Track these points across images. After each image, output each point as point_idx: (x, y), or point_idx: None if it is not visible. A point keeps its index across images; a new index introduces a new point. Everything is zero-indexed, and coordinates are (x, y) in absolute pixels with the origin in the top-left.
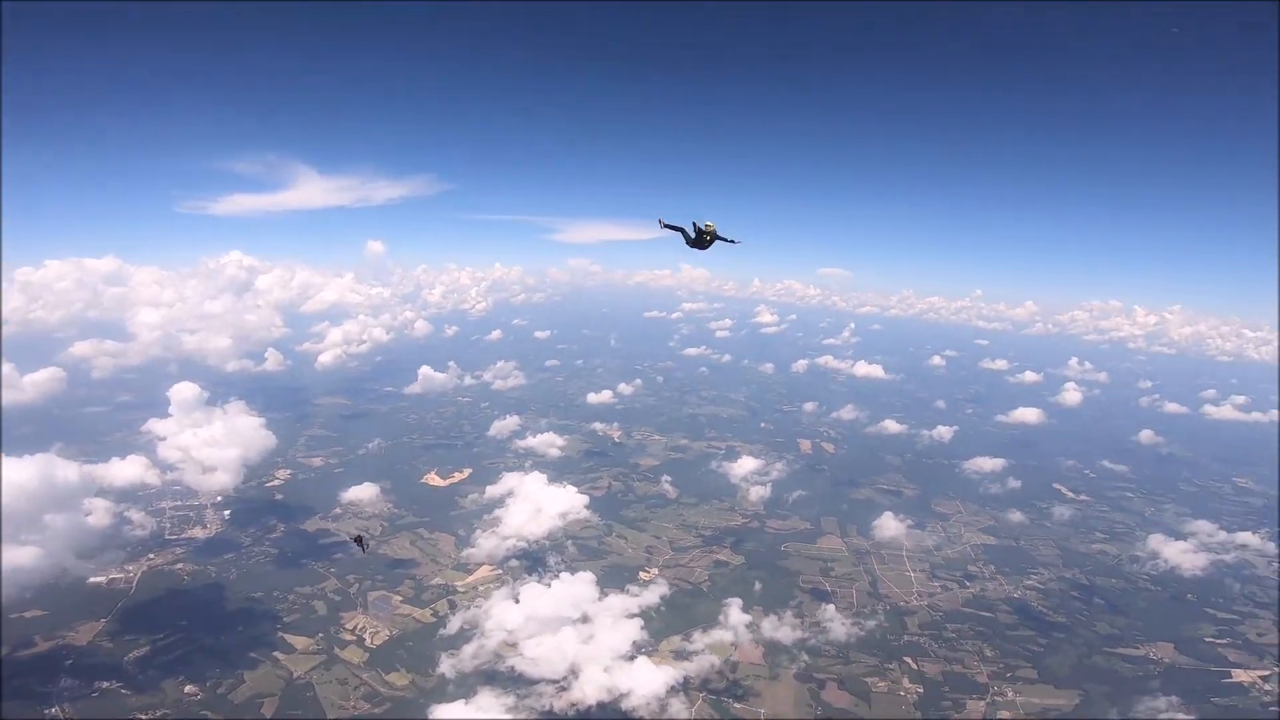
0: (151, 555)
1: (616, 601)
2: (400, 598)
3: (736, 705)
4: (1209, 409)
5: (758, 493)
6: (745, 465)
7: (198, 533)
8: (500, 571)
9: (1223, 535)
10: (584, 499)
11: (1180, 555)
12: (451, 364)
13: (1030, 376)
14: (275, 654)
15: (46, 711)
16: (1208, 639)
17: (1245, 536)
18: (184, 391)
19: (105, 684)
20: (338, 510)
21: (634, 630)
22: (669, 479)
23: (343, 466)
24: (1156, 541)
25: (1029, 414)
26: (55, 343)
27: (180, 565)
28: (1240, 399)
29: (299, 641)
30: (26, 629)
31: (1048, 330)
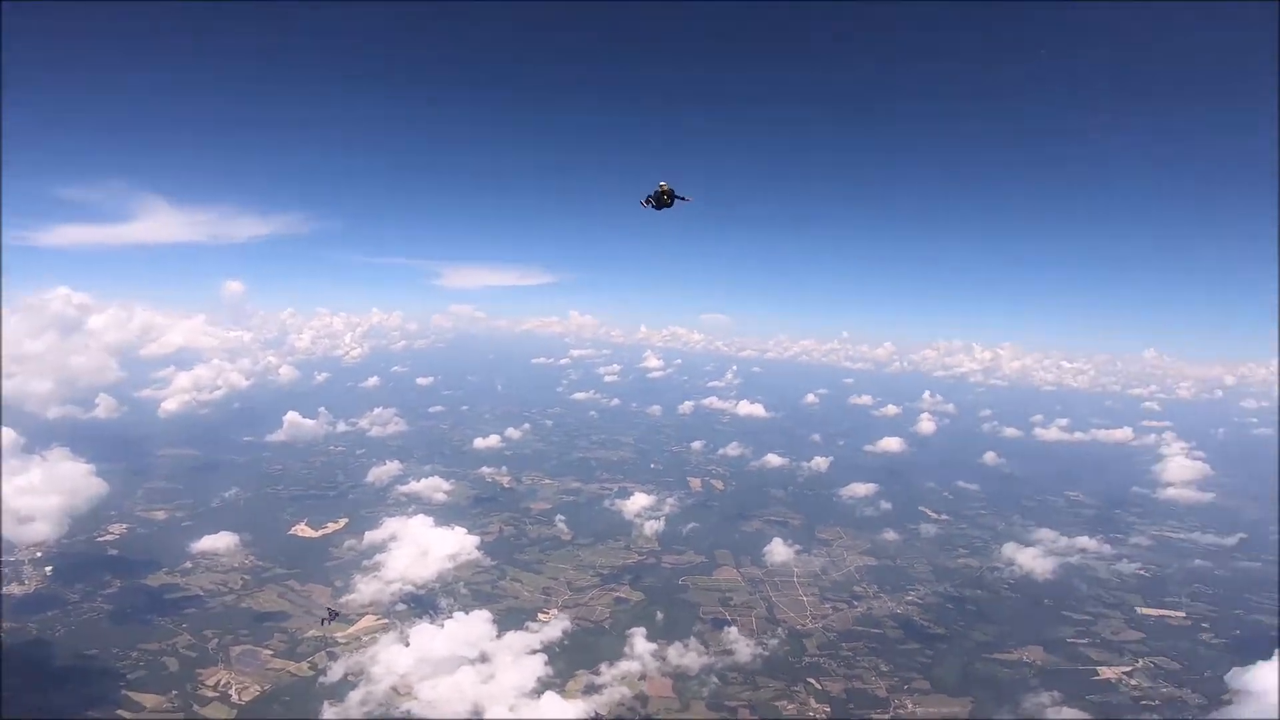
0: None
1: (516, 639)
2: (270, 651)
3: None
4: (1039, 431)
5: (652, 528)
6: (638, 502)
7: (14, 589)
8: (385, 620)
9: (1064, 541)
10: (475, 540)
11: (1031, 560)
12: (322, 410)
13: (891, 409)
14: (120, 712)
15: None
16: (1069, 639)
17: (1083, 540)
18: None
19: None
20: (187, 564)
21: (538, 666)
22: (563, 520)
23: (192, 519)
24: (1010, 549)
25: (893, 443)
26: None
27: None
28: (1063, 422)
29: (147, 699)
30: None
31: (903, 369)
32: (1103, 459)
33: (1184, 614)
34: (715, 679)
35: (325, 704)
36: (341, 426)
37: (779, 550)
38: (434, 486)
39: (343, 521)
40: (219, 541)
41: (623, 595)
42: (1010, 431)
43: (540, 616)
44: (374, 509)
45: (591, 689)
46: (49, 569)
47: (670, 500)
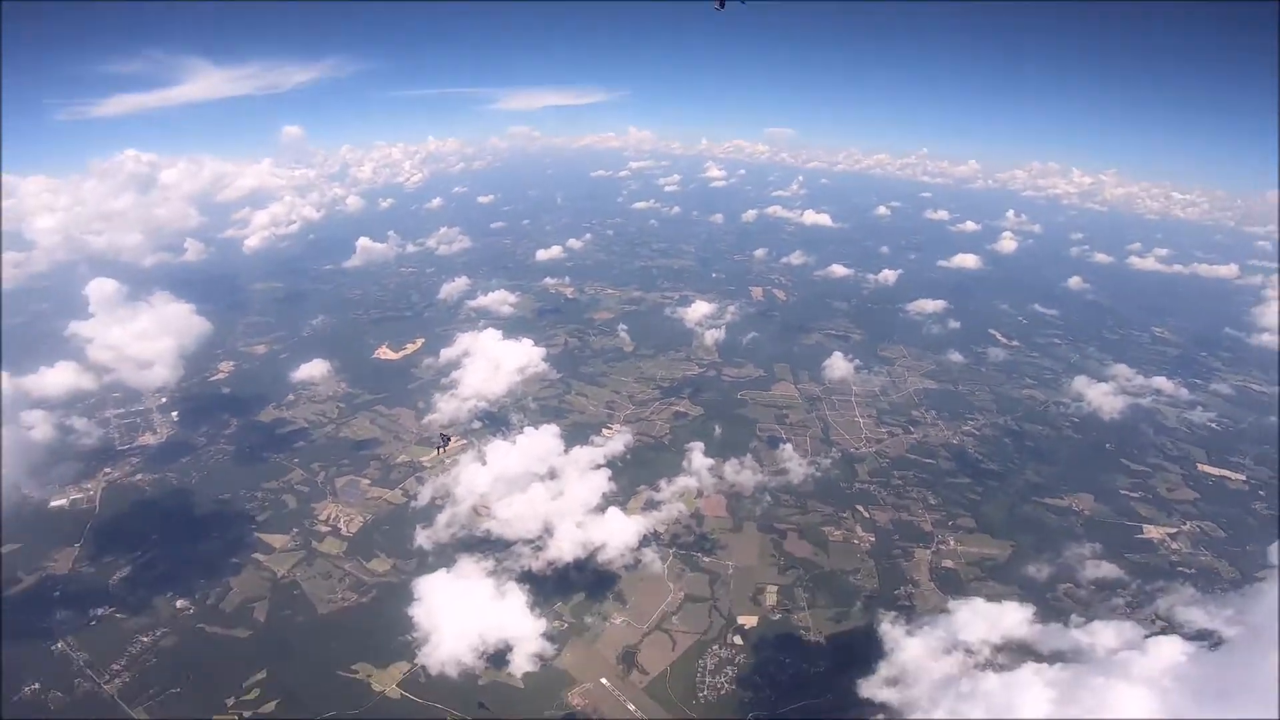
0: (107, 469)
1: (582, 454)
2: (368, 480)
3: (705, 559)
4: (1134, 260)
5: (712, 336)
6: (699, 310)
7: (148, 439)
8: (465, 441)
9: (1140, 380)
10: (541, 351)
11: (1101, 398)
12: (391, 234)
13: (970, 226)
14: (256, 556)
15: (52, 648)
16: (1123, 490)
17: (1160, 381)
18: (102, 288)
19: (99, 610)
20: (290, 396)
21: (602, 482)
22: (625, 330)
23: (288, 351)
24: (1080, 384)
25: (968, 260)
26: None
27: (139, 476)
28: (1163, 252)
29: (276, 540)
30: (7, 566)
31: (988, 186)
32: (1201, 295)
33: (1244, 477)
34: (768, 498)
35: (418, 528)
36: (410, 248)
37: (839, 365)
38: (501, 300)
39: (420, 341)
40: (314, 370)
41: (682, 410)
42: (1101, 257)
43: (605, 432)
44: (447, 326)
45: (651, 505)
46: (175, 414)
47: (731, 308)
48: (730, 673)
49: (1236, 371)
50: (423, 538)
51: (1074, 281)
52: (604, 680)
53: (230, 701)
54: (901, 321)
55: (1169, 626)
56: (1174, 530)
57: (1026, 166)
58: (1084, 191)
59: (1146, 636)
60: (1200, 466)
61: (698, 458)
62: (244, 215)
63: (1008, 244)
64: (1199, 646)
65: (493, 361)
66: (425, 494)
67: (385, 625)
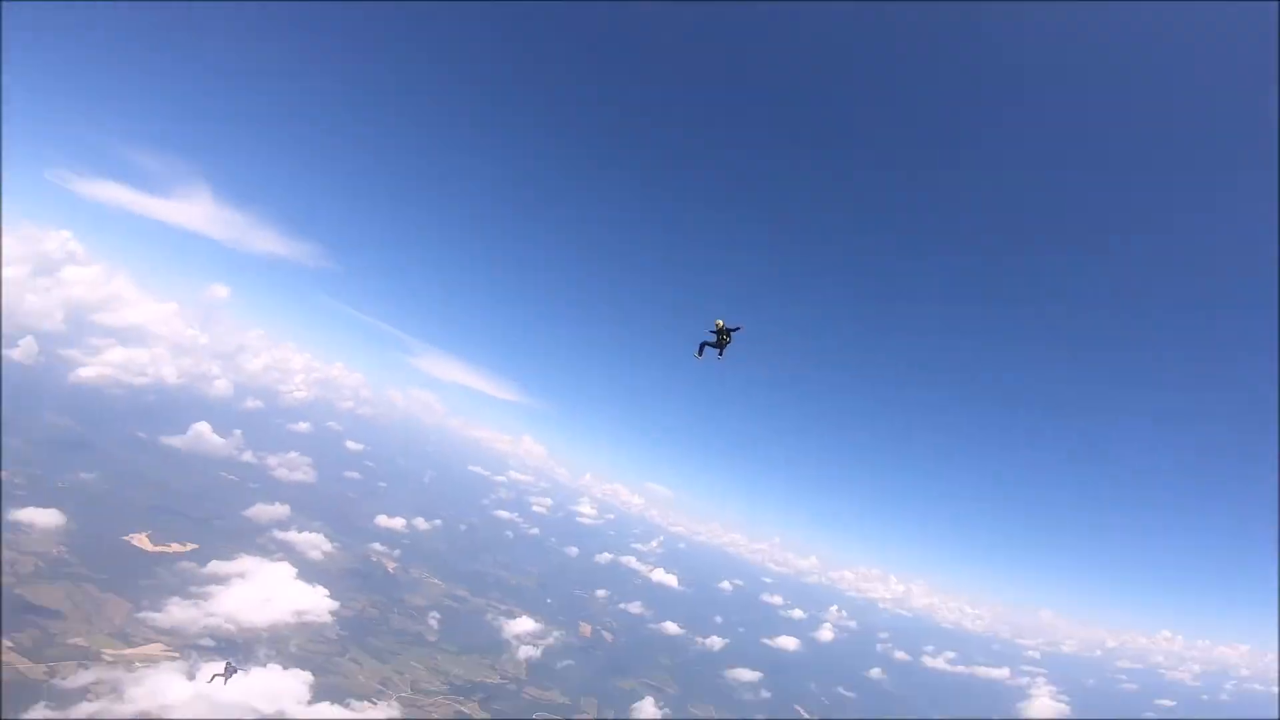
0: None
1: (330, 712)
2: (10, 643)
3: None
4: (926, 659)
5: (526, 653)
6: (522, 625)
7: None
8: (176, 653)
9: None
10: (332, 606)
11: None
12: (237, 433)
13: (798, 613)
14: None
15: None
16: None
17: None
18: None
19: None
20: None
21: None
22: (435, 618)
23: (28, 487)
24: None
25: (789, 642)
26: None
27: None
28: (950, 654)
29: None
30: None
31: (821, 581)
32: (975, 691)
33: None
34: None
35: (41, 704)
36: (249, 456)
37: (648, 711)
38: (314, 543)
39: (190, 546)
40: (42, 517)
41: (467, 711)
42: (900, 655)
43: (369, 701)
44: (238, 543)
45: None
46: None
47: (555, 634)
48: None
49: None
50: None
51: (874, 672)
52: None
53: None
54: (718, 685)
55: None
56: None
57: (854, 569)
58: (897, 597)
59: None
60: None
61: None
62: (105, 344)
63: (826, 633)
64: None
65: (268, 594)
66: (83, 678)
67: None
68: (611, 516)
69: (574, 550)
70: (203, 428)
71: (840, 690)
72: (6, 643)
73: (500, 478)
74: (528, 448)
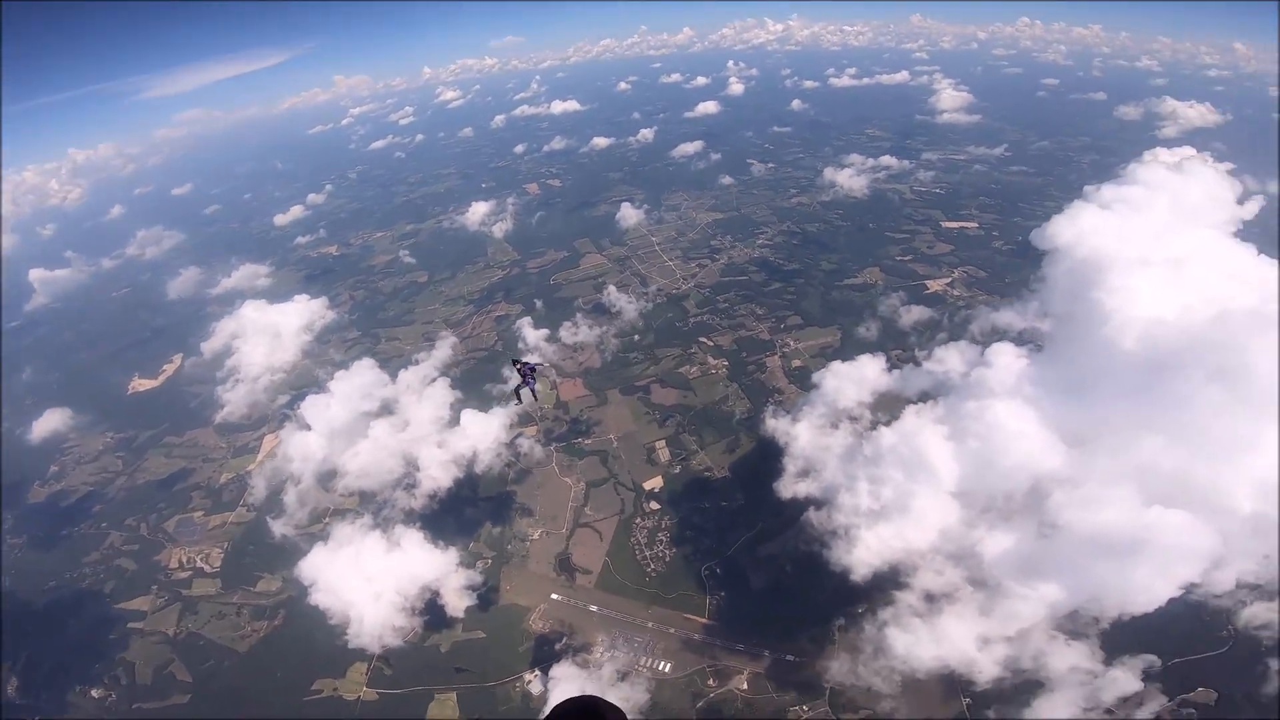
0: None
1: (412, 374)
2: (201, 511)
3: (587, 441)
4: (833, 80)
5: (501, 229)
6: (479, 211)
7: None
8: (274, 428)
9: (871, 161)
10: (322, 301)
11: (849, 180)
12: (71, 254)
13: (701, 80)
14: (131, 625)
15: None
16: (897, 257)
17: (887, 159)
18: None
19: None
20: (55, 468)
21: (444, 392)
22: (412, 260)
23: (21, 425)
24: (830, 172)
25: (709, 106)
26: None
27: None
28: (852, 70)
29: (140, 603)
30: None
31: (705, 48)
32: (888, 98)
33: (977, 224)
34: (615, 340)
35: (269, 520)
36: (107, 263)
37: (630, 215)
38: (251, 275)
39: (177, 359)
40: (56, 421)
41: (502, 313)
42: (809, 83)
43: (421, 356)
44: (197, 325)
45: (505, 397)
46: None
47: (511, 200)
48: (663, 538)
49: (936, 146)
50: (279, 528)
51: (796, 104)
52: (554, 595)
53: None
54: (671, 169)
55: (997, 335)
56: (949, 279)
57: (730, 25)
58: (780, 37)
59: (983, 350)
60: (943, 223)
61: (529, 332)
62: None
63: (736, 88)
64: (1029, 348)
65: (270, 331)
66: (259, 490)
67: (313, 634)
68: (477, 88)
69: (468, 131)
70: (39, 274)
71: (775, 129)
72: (197, 513)
73: (345, 120)
74: (348, 84)
